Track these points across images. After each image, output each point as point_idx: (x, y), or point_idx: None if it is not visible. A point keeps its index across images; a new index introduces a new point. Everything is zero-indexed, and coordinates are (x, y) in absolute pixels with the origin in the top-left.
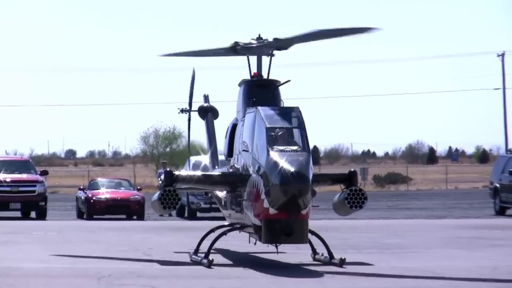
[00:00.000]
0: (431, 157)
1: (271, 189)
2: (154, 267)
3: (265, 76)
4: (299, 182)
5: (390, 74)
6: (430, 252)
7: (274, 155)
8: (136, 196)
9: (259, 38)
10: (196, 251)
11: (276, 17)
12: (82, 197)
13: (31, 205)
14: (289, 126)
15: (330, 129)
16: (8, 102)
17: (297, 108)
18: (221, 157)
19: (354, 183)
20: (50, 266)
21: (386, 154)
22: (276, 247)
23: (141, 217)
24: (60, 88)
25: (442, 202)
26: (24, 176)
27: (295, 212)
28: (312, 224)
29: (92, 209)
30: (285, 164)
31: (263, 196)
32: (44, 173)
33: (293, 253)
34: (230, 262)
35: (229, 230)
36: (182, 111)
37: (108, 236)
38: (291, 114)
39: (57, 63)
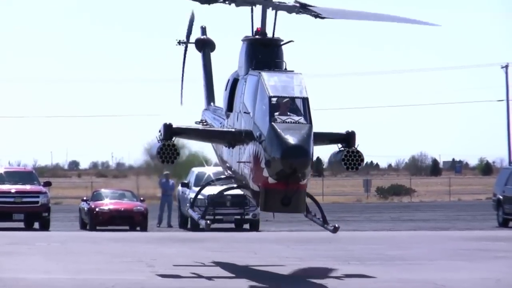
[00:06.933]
0: (434, 169)
1: (271, 160)
2: (157, 279)
3: (269, 33)
4: (300, 156)
5: (393, 85)
6: (433, 263)
7: (276, 125)
8: (139, 207)
9: None
10: (193, 204)
11: None
12: (86, 208)
13: (34, 216)
14: (293, 96)
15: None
16: (11, 113)
17: (301, 75)
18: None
19: (352, 144)
20: (53, 277)
21: (389, 166)
22: (273, 215)
23: (144, 228)
24: (63, 99)
25: (445, 214)
26: (27, 187)
27: (294, 183)
28: (314, 235)
29: (95, 220)
30: (286, 136)
31: (263, 165)
32: (47, 184)
33: (294, 265)
34: (233, 275)
35: (228, 189)
36: (180, 42)
37: (111, 247)
38: (294, 82)
39: (61, 73)
